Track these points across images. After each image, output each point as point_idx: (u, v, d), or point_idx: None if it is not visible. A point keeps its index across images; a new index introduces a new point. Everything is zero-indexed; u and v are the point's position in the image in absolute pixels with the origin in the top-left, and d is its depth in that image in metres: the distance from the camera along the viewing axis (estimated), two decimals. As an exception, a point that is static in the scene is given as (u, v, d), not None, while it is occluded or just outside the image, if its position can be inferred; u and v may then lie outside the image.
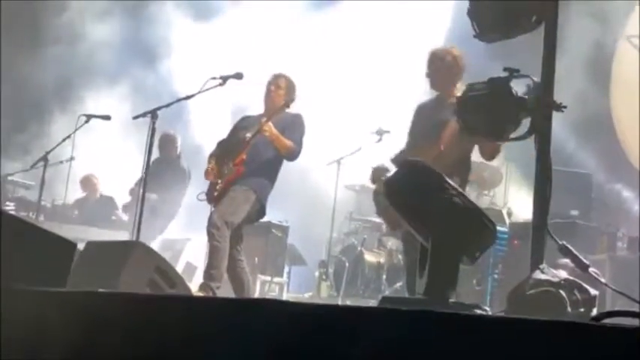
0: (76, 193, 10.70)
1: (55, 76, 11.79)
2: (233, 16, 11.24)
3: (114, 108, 9.79)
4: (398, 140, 7.40)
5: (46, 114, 11.63)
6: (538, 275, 3.96)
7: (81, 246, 5.32)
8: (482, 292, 7.27)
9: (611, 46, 9.39)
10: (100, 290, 4.04)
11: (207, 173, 6.86)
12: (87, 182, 10.88)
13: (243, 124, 7.04)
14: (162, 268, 5.34)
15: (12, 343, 3.45)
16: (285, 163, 6.89)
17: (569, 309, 3.85)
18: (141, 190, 6.58)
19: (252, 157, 6.67)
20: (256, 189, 6.63)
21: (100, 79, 11.90)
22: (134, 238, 6.37)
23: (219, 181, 6.74)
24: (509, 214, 8.20)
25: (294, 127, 6.72)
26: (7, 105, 10.71)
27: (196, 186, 7.59)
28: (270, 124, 6.57)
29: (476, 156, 7.10)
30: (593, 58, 8.84)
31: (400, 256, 8.38)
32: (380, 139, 8.85)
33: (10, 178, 10.43)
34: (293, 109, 6.87)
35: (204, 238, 6.76)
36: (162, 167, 9.31)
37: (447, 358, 2.23)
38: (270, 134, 6.57)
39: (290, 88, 6.93)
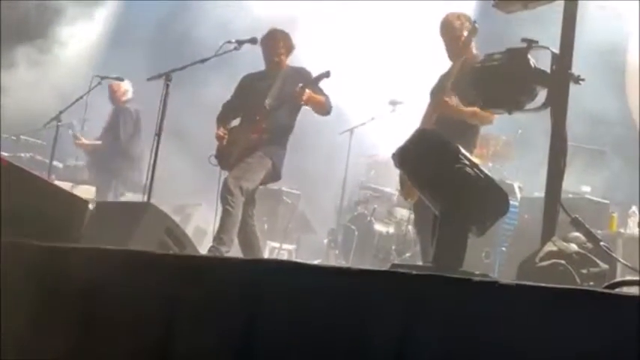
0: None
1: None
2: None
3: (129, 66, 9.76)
4: (411, 111, 7.37)
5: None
6: (549, 247, 3.96)
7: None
8: (491, 264, 7.27)
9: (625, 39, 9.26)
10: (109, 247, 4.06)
11: (218, 137, 6.87)
12: None
13: (248, 85, 7.02)
14: (173, 230, 5.37)
15: (19, 297, 3.47)
16: (298, 132, 6.91)
17: (578, 282, 3.85)
18: (153, 154, 6.56)
19: (270, 125, 6.69)
20: (272, 155, 6.67)
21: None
22: (145, 200, 6.38)
23: (232, 147, 6.75)
24: (521, 189, 8.17)
25: (311, 84, 6.70)
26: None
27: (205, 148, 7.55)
28: (306, 90, 6.57)
29: (489, 129, 7.11)
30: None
31: (410, 227, 8.37)
32: (393, 110, 8.83)
33: (22, 137, 10.45)
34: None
35: (214, 203, 6.77)
36: (113, 116, 9.49)
37: (457, 323, 2.23)
38: (307, 100, 6.60)
39: (287, 39, 6.93)
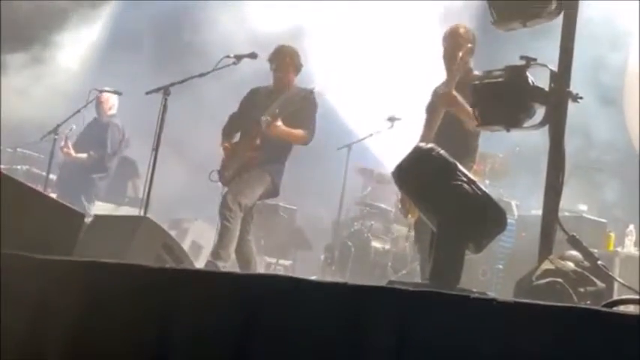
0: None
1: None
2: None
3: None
4: (409, 128, 7.37)
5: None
6: (546, 265, 3.94)
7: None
8: (487, 282, 7.26)
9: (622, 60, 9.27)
10: (105, 260, 4.04)
11: (225, 149, 6.88)
12: None
13: (253, 99, 7.03)
14: (169, 245, 5.34)
15: (15, 310, 3.45)
16: (295, 147, 6.93)
17: (575, 300, 3.84)
18: (150, 169, 6.54)
19: (267, 141, 6.68)
20: (271, 171, 6.68)
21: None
22: (142, 213, 6.36)
23: (232, 161, 6.77)
24: (518, 207, 8.17)
25: (304, 112, 6.71)
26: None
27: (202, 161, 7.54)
28: (277, 126, 6.56)
29: (486, 147, 7.09)
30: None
31: (406, 244, 8.35)
32: (392, 126, 8.82)
33: (18, 149, 10.43)
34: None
35: (210, 218, 6.78)
36: (96, 127, 9.43)
37: (455, 340, 2.22)
38: (280, 134, 6.60)
39: (295, 57, 6.92)
